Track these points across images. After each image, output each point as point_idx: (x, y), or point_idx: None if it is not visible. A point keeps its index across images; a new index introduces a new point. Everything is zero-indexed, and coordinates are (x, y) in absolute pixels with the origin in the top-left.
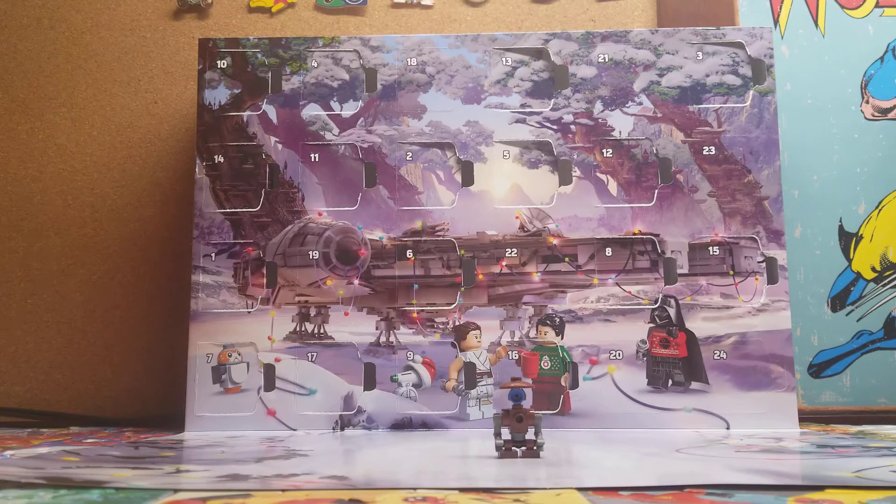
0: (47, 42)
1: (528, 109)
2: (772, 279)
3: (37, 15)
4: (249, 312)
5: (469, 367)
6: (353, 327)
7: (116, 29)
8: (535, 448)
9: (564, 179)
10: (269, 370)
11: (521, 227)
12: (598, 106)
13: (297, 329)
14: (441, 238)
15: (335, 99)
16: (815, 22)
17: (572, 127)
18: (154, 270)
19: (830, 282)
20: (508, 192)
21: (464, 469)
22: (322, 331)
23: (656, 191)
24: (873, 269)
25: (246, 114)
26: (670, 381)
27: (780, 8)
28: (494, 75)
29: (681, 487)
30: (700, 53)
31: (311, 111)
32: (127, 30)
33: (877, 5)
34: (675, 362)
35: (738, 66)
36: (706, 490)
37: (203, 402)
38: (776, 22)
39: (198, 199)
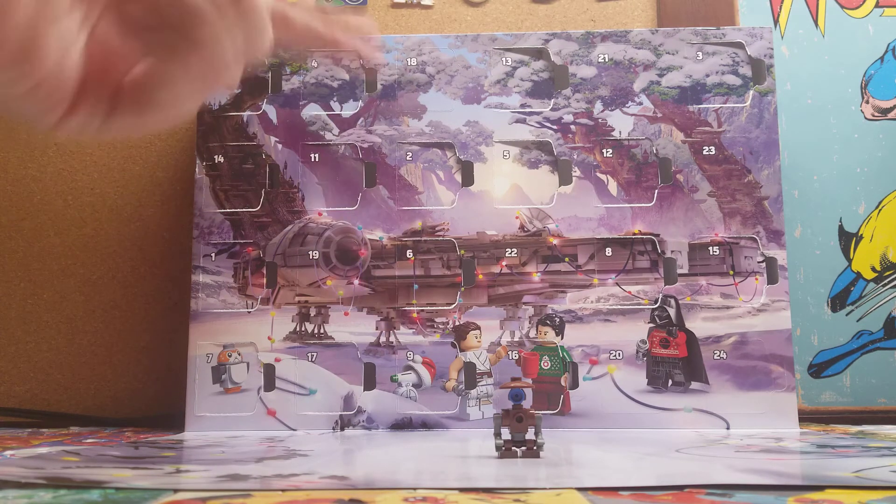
0: None
1: (528, 109)
2: (772, 279)
3: None
4: (249, 312)
5: (469, 367)
6: (353, 327)
7: None
8: (535, 448)
9: (564, 179)
10: (269, 370)
11: (521, 227)
12: (598, 106)
13: (297, 329)
14: (441, 238)
15: (335, 99)
16: (815, 22)
17: (572, 127)
18: (154, 270)
19: (830, 282)
20: (508, 192)
21: (464, 469)
22: (322, 331)
23: (656, 191)
24: (873, 269)
25: (246, 114)
26: (670, 381)
27: (780, 8)
28: (494, 75)
29: (681, 487)
30: (700, 53)
31: (311, 111)
32: None
33: (877, 5)
34: (675, 362)
35: (738, 66)
36: (706, 490)
37: (203, 402)
38: (776, 22)
39: (198, 199)
